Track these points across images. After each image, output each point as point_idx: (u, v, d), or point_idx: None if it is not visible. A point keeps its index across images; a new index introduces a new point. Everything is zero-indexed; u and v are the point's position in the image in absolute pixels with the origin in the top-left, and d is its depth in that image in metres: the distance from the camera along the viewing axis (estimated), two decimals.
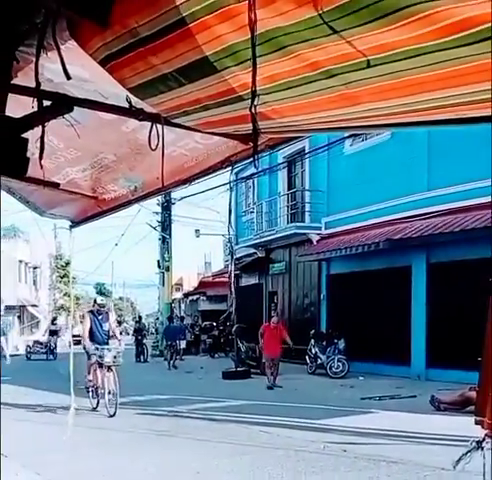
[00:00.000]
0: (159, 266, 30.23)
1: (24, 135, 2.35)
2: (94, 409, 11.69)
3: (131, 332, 37.32)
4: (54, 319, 34.04)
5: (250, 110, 1.62)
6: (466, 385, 10.37)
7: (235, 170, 18.74)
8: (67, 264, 49.09)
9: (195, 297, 39.96)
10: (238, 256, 26.04)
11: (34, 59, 1.98)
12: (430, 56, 1.41)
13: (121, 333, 15.56)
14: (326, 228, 21.13)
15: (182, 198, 28.81)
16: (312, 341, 18.85)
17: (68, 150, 3.14)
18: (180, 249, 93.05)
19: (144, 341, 27.75)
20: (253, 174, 23.79)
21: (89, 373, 11.83)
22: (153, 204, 29.62)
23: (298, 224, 21.97)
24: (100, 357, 11.46)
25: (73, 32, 1.87)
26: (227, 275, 26.29)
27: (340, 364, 17.44)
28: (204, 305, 37.09)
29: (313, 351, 18.62)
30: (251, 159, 2.79)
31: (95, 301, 13.09)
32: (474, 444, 3.54)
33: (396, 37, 1.38)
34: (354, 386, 15.42)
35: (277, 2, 1.42)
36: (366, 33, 1.39)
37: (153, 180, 3.27)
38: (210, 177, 3.49)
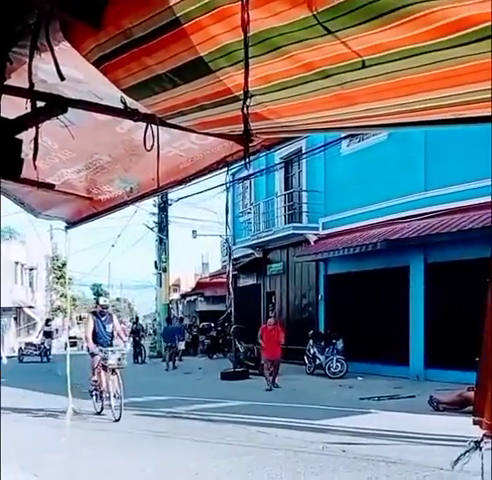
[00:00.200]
0: (156, 267, 30.23)
1: (18, 136, 2.34)
2: (98, 413, 11.38)
3: (128, 333, 37.24)
4: (48, 320, 33.52)
5: (242, 110, 1.61)
6: (464, 385, 10.36)
7: (232, 171, 18.70)
8: (63, 265, 49.02)
9: (193, 298, 39.96)
10: (236, 257, 26.03)
11: (28, 60, 1.97)
12: (426, 56, 1.41)
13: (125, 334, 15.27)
14: (323, 228, 21.13)
15: (179, 199, 28.86)
16: (310, 341, 18.85)
17: (63, 151, 3.13)
18: (177, 250, 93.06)
19: (142, 342, 27.73)
20: (250, 175, 23.76)
21: (93, 376, 11.48)
22: (150, 205, 29.69)
23: (295, 224, 21.96)
24: (104, 359, 11.08)
25: (66, 33, 1.86)
26: (225, 276, 26.30)
27: (339, 364, 17.44)
28: (202, 306, 37.09)
29: (311, 351, 18.62)
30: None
31: (98, 302, 12.76)
32: (472, 444, 3.53)
33: (391, 37, 1.37)
34: (353, 386, 15.42)
35: (271, 2, 1.41)
36: (361, 33, 1.38)
37: (149, 181, 3.26)
38: (206, 178, 3.49)
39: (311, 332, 19.35)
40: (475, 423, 3.58)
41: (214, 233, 33.04)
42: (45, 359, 27.68)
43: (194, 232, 30.61)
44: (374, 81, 1.57)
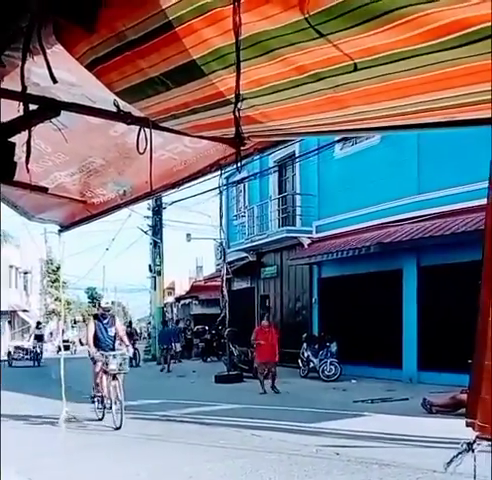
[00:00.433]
0: (151, 270, 30.18)
1: (12, 139, 2.34)
2: (100, 420, 11.05)
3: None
4: (39, 323, 32.78)
5: (234, 113, 1.62)
6: (458, 387, 10.39)
7: (226, 174, 18.72)
8: (58, 269, 48.82)
9: (187, 301, 39.88)
10: (230, 260, 26.02)
11: (20, 63, 1.96)
12: (417, 59, 1.41)
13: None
14: (317, 232, 21.15)
15: (173, 202, 28.83)
16: (304, 345, 18.83)
17: (56, 154, 3.13)
18: (171, 253, 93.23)
19: (136, 346, 27.64)
20: (244, 178, 23.80)
21: (96, 380, 11.10)
22: (144, 208, 29.67)
23: (289, 228, 21.97)
24: (105, 364, 10.64)
25: (59, 36, 1.86)
26: (219, 279, 26.27)
27: (332, 367, 17.43)
28: (196, 309, 37.03)
29: (305, 354, 18.60)
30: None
31: (99, 305, 12.37)
32: (465, 446, 3.54)
33: (383, 40, 1.38)
34: (346, 389, 15.42)
35: (263, 6, 1.41)
36: (353, 36, 1.39)
37: (142, 184, 3.26)
38: (200, 181, 3.50)
39: (305, 335, 19.32)
40: (468, 425, 3.59)
41: (208, 236, 33.07)
42: (36, 363, 27.03)
43: (188, 235, 30.60)
44: (366, 84, 1.58)
